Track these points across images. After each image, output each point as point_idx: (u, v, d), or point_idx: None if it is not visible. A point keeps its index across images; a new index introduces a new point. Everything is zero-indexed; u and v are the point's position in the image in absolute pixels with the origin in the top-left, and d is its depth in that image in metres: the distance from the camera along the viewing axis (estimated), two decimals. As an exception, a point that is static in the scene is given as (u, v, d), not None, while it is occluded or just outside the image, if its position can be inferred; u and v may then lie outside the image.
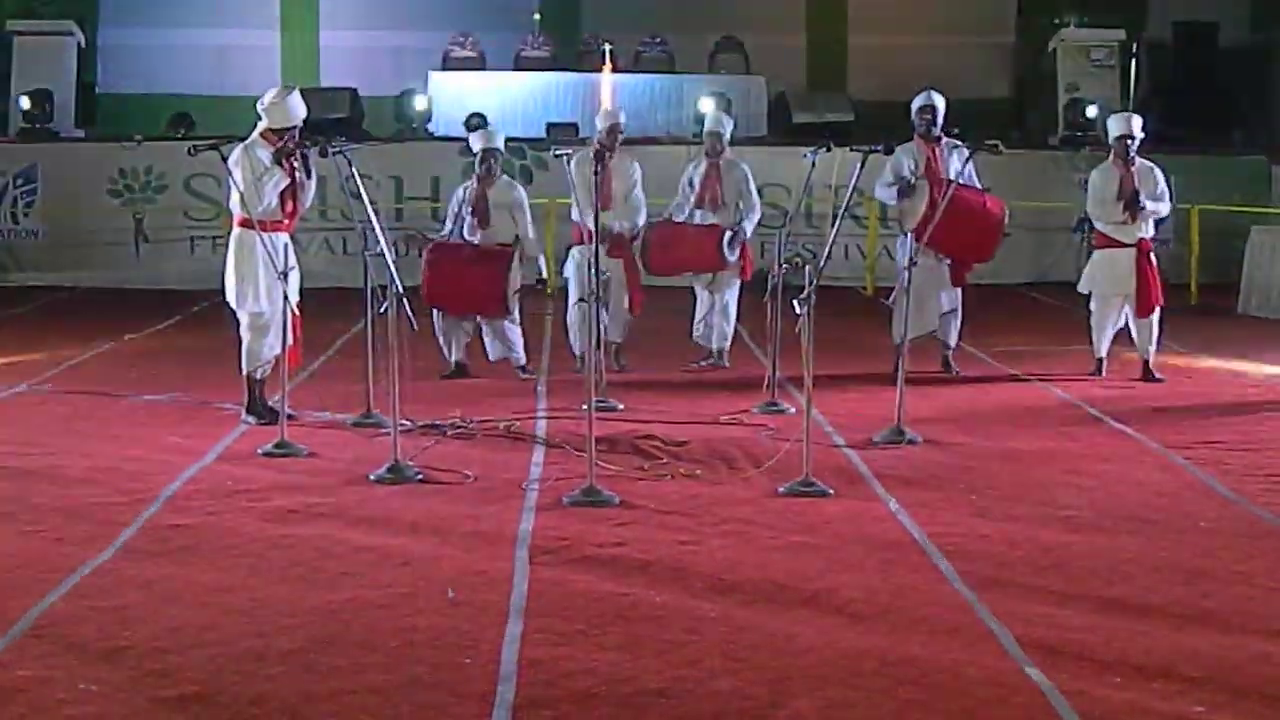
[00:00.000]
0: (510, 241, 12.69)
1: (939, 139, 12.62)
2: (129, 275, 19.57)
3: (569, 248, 13.02)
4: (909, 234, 12.07)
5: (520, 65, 23.85)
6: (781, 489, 8.78)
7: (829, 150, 11.48)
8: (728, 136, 13.21)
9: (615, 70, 22.71)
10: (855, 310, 15.06)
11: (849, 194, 10.03)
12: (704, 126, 13.45)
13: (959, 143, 12.72)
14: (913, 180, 12.36)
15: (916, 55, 25.11)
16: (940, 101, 12.67)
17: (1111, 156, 12.86)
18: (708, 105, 21.70)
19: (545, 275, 13.21)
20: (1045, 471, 9.40)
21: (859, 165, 9.80)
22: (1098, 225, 13.01)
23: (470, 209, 12.69)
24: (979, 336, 14.05)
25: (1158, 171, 12.90)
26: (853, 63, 25.31)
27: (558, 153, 9.68)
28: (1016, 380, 12.89)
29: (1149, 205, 12.65)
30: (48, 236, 19.96)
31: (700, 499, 8.63)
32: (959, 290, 12.80)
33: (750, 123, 22.42)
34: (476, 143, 12.91)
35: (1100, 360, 12.99)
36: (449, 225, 12.90)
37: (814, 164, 11.38)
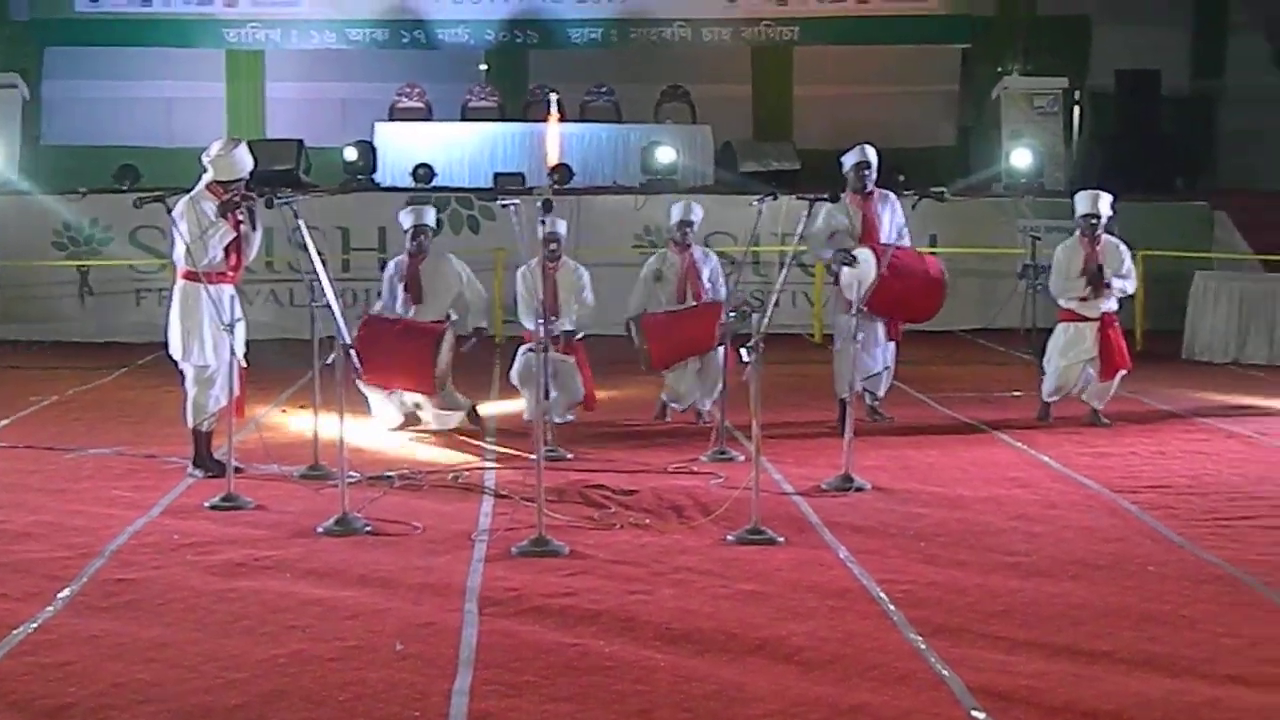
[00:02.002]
0: (444, 317, 12.62)
1: (872, 193, 12.58)
2: (74, 328, 19.43)
3: (519, 346, 12.84)
4: (857, 300, 11.71)
5: (467, 116, 23.88)
6: (731, 537, 8.78)
7: (775, 199, 11.50)
8: (698, 224, 13.13)
9: (562, 120, 22.81)
10: (803, 358, 15.08)
11: (796, 242, 10.06)
12: (673, 218, 13.15)
13: (889, 193, 12.72)
14: (853, 248, 12.10)
15: (862, 104, 25.29)
16: (874, 156, 12.64)
17: (1077, 234, 12.93)
18: (654, 154, 21.80)
19: (492, 329, 13.04)
20: (993, 518, 9.42)
21: (805, 213, 9.84)
22: (1060, 301, 13.04)
23: (403, 285, 12.63)
24: (926, 383, 14.10)
25: (1123, 249, 12.99)
26: (798, 112, 25.40)
27: (504, 203, 9.68)
28: (964, 427, 12.92)
29: (1116, 284, 12.75)
30: (-8, 290, 19.83)
31: (649, 548, 8.61)
32: (893, 344, 12.77)
33: (697, 172, 22.51)
34: (407, 219, 12.80)
35: (1047, 405, 13.04)
36: (384, 297, 12.81)
37: (761, 212, 11.38)
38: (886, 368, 12.76)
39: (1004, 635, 6.96)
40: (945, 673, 6.41)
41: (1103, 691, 6.19)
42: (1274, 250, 18.31)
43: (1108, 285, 12.70)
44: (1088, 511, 9.65)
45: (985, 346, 18.79)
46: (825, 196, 10.24)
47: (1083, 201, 12.99)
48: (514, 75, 25.14)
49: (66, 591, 7.66)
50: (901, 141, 24.45)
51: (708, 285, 12.77)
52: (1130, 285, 13.01)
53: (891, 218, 12.46)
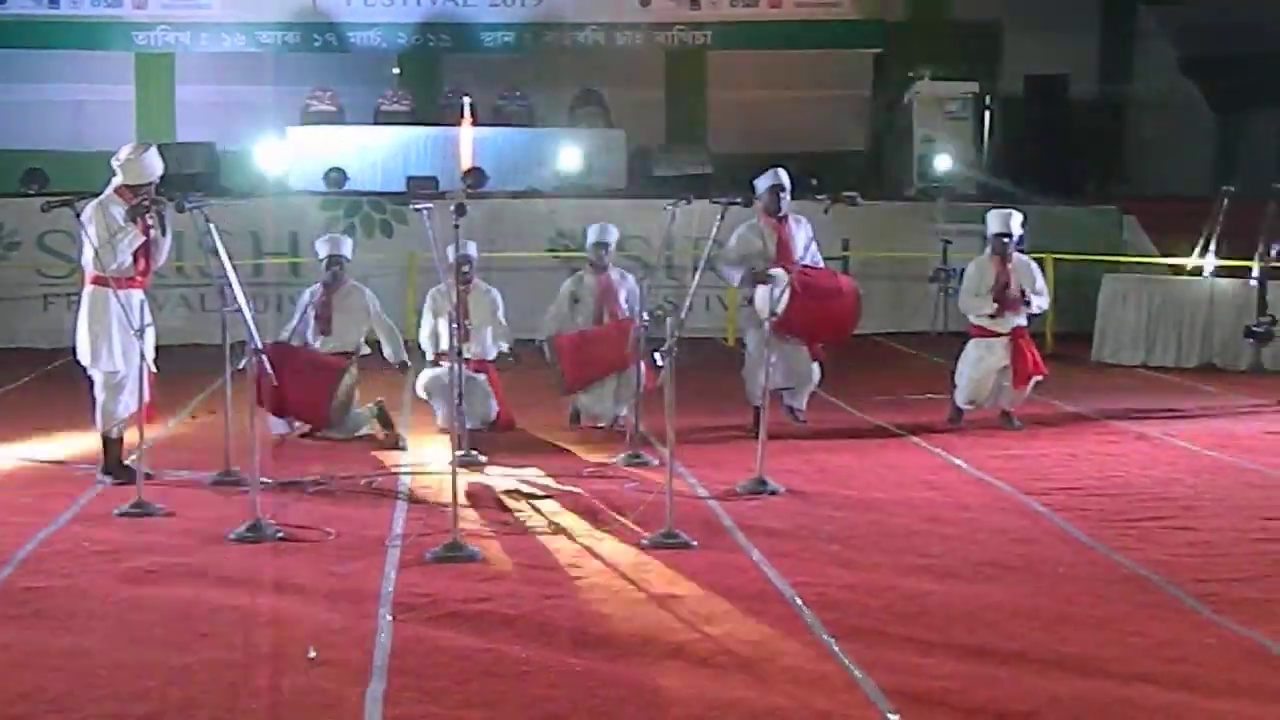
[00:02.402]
0: (352, 349, 12.57)
1: (786, 215, 12.60)
2: (-19, 334, 19.24)
3: (429, 362, 12.81)
4: (769, 318, 11.50)
5: (379, 119, 23.76)
6: (645, 541, 8.78)
7: (689, 203, 11.51)
8: (613, 246, 13.12)
9: (475, 124, 22.74)
10: (717, 362, 15.11)
11: (709, 246, 10.07)
12: (588, 239, 13.16)
13: (801, 216, 12.76)
14: (767, 268, 12.07)
15: (775, 109, 25.36)
16: (787, 179, 12.66)
17: (989, 251, 13.01)
18: (567, 158, 21.81)
19: (404, 359, 12.91)
20: (907, 520, 9.47)
21: (719, 217, 9.85)
22: (970, 317, 13.11)
23: (315, 314, 12.56)
24: (839, 387, 14.14)
25: (1034, 267, 13.12)
26: (712, 116, 25.44)
27: (417, 206, 9.64)
28: (877, 430, 12.98)
29: (1034, 301, 12.84)
30: (-102, 295, 19.58)
31: (564, 552, 8.60)
32: (816, 364, 12.82)
33: (610, 176, 22.52)
34: (322, 248, 12.76)
35: (959, 409, 13.12)
36: (294, 323, 12.72)
37: (674, 216, 11.40)
38: (810, 383, 12.77)
39: (917, 637, 7.00)
40: (859, 675, 6.43)
41: (1015, 692, 6.24)
42: (1182, 253, 18.49)
43: (1027, 303, 12.78)
44: (1000, 513, 9.72)
45: (898, 350, 18.90)
46: (739, 200, 10.24)
47: (994, 221, 13.06)
48: (427, 79, 25.03)
49: (-26, 600, 7.58)
50: (814, 146, 24.56)
51: (625, 306, 12.75)
52: (1044, 302, 13.12)
53: (805, 239, 12.50)
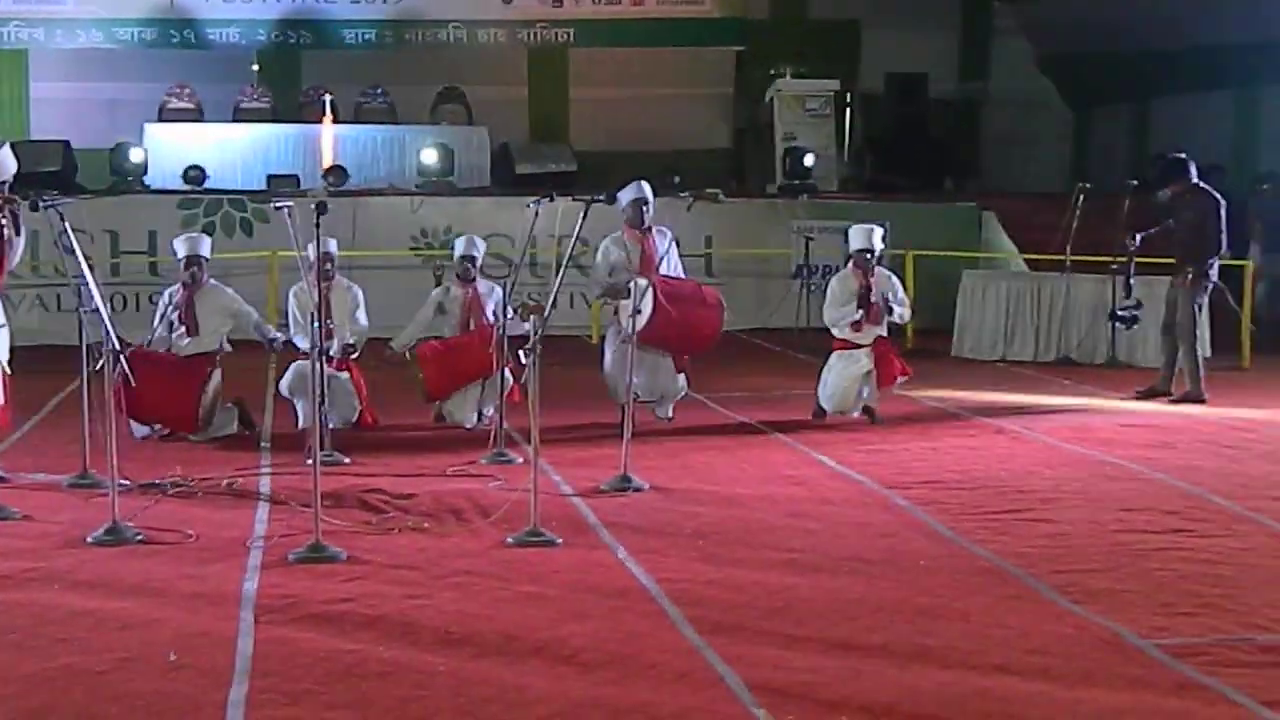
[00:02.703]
0: (215, 349, 12.46)
1: (650, 228, 12.65)
2: None
3: (290, 363, 12.70)
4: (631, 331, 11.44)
5: (239, 117, 23.56)
6: (510, 539, 8.77)
7: (552, 200, 11.49)
8: (480, 258, 13.08)
9: (336, 121, 22.63)
10: (582, 359, 15.11)
11: (572, 243, 10.07)
12: (455, 251, 13.16)
13: (664, 228, 12.81)
14: (627, 280, 12.04)
15: (638, 106, 25.48)
16: (650, 191, 12.70)
17: (850, 265, 13.10)
18: (430, 155, 21.74)
19: (276, 336, 12.79)
20: (769, 515, 9.52)
21: (582, 215, 9.85)
22: (834, 331, 13.16)
23: (178, 316, 12.41)
24: (703, 383, 14.18)
25: (895, 279, 13.23)
26: (575, 114, 25.47)
27: (277, 205, 9.55)
28: (740, 427, 13.05)
29: (896, 310, 12.92)
30: None
31: (428, 552, 8.57)
32: (682, 375, 12.88)
33: (473, 173, 22.51)
34: (180, 248, 12.55)
35: (822, 408, 13.18)
36: (156, 325, 12.53)
37: (537, 214, 11.39)
38: (679, 391, 12.81)
39: (781, 631, 7.05)
40: (723, 670, 6.46)
41: (877, 685, 6.29)
42: (1039, 249, 18.76)
43: (889, 310, 12.87)
44: (862, 508, 9.81)
45: (761, 346, 19.00)
46: (600, 198, 10.24)
47: (857, 237, 13.12)
48: (287, 76, 24.86)
49: None
50: (677, 143, 24.69)
51: (492, 318, 12.69)
52: (906, 313, 13.20)
53: (668, 250, 12.56)
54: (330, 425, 11.67)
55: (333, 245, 12.54)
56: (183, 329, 12.36)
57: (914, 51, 25.89)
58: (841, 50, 25.91)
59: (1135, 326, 16.40)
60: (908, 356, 13.76)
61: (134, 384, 9.78)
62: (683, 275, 12.96)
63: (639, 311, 11.39)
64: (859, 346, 12.99)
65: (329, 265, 12.23)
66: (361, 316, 12.75)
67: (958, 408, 14.01)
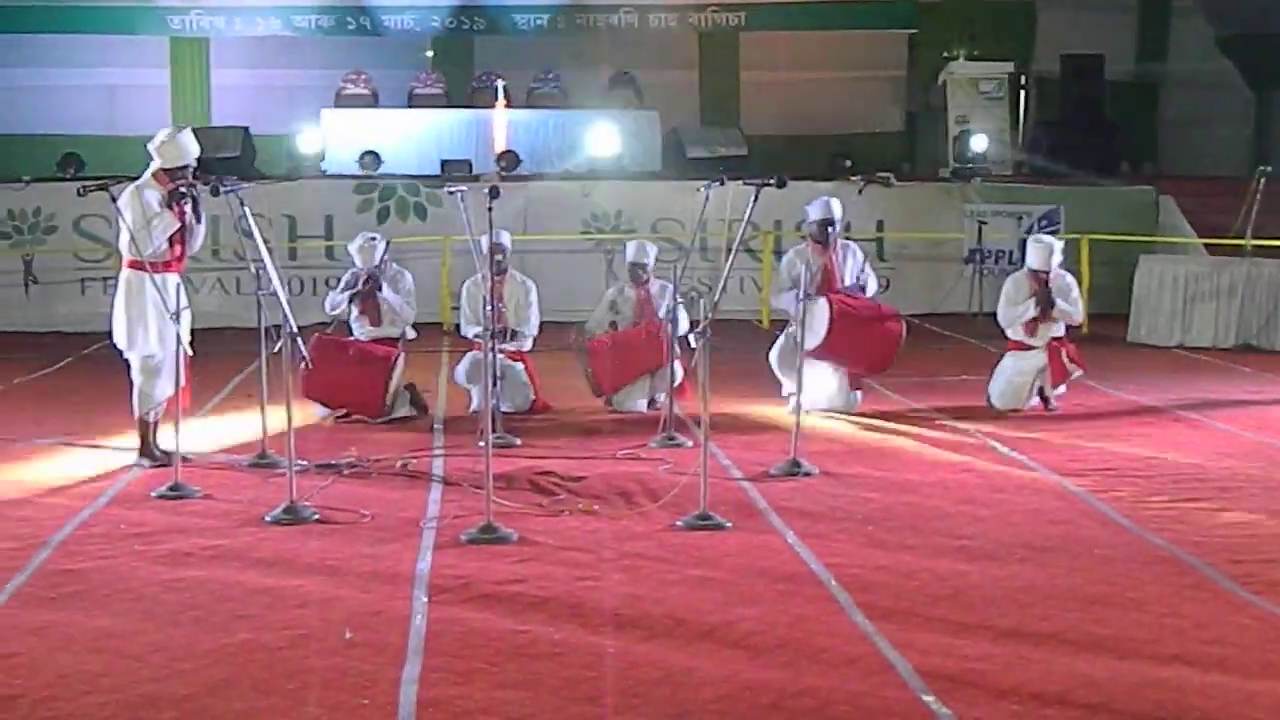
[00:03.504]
0: (398, 336, 12.65)
1: (836, 244, 12.61)
2: (18, 318, 19.26)
3: (465, 354, 12.81)
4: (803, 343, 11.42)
5: (413, 102, 23.82)
6: (679, 523, 8.79)
7: (723, 184, 11.50)
8: (651, 264, 13.06)
9: (508, 106, 22.78)
10: (751, 344, 15.08)
11: (743, 227, 10.05)
12: (626, 256, 13.15)
13: (851, 243, 12.74)
14: (810, 292, 11.88)
15: (809, 90, 25.40)
16: (839, 210, 12.65)
17: (1026, 269, 12.89)
18: (601, 140, 21.79)
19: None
20: (940, 502, 9.46)
21: (753, 199, 9.82)
22: (1008, 332, 12.95)
23: (359, 309, 12.62)
24: (874, 368, 14.10)
25: (1070, 281, 12.99)
26: (745, 97, 25.43)
27: (451, 189, 9.65)
28: (911, 412, 12.96)
29: (1062, 306, 12.71)
30: (-66, 279, 19.65)
31: (598, 534, 8.61)
32: (858, 392, 12.86)
33: (644, 157, 22.52)
34: (358, 259, 12.67)
35: (993, 405, 12.95)
36: (342, 298, 12.70)
37: (708, 198, 11.39)
38: (848, 407, 12.75)
39: (951, 618, 7.00)
40: (893, 656, 6.44)
41: (1048, 673, 6.23)
42: (1217, 234, 18.42)
43: (1052, 304, 12.66)
44: (1034, 495, 9.70)
45: (932, 332, 18.84)
46: (771, 182, 10.21)
47: (1034, 255, 12.86)
48: (460, 62, 25.11)
49: (12, 583, 7.62)
50: (848, 127, 24.59)
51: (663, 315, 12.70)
52: (1078, 315, 12.99)
53: (853, 265, 12.52)
54: (504, 409, 11.78)
55: (505, 237, 12.60)
56: (365, 319, 12.57)
57: (1090, 32, 25.52)
58: (1016, 32, 25.62)
59: None
60: (1082, 342, 13.56)
61: (313, 367, 9.96)
62: (872, 286, 12.91)
63: (809, 334, 11.33)
64: (1033, 347, 12.82)
65: (501, 257, 12.30)
66: (534, 314, 12.82)
67: (1133, 394, 13.79)
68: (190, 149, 10.50)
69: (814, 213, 12.69)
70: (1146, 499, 9.54)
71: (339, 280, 13.07)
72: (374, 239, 12.83)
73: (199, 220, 10.60)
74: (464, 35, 24.81)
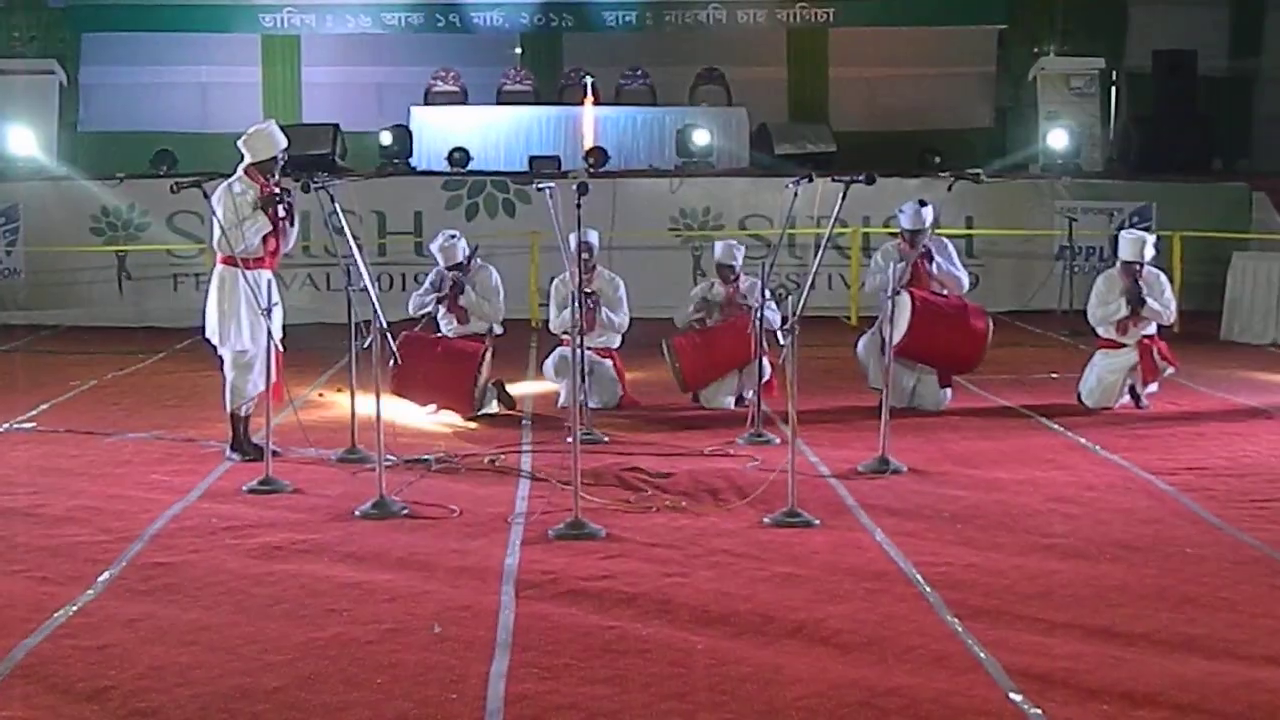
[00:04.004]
0: (485, 332, 12.69)
1: (926, 248, 12.59)
2: (112, 313, 19.48)
3: (554, 348, 12.85)
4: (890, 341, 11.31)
5: (502, 99, 23.88)
6: (767, 520, 8.78)
7: (811, 181, 11.47)
8: (739, 264, 12.95)
9: (597, 103, 22.80)
10: (839, 341, 15.04)
11: (831, 224, 10.02)
12: (715, 255, 13.04)
13: (944, 240, 12.67)
14: (897, 289, 11.75)
15: (898, 86, 25.27)
16: (930, 217, 12.65)
17: (1119, 267, 12.80)
18: (689, 136, 21.77)
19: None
20: (1030, 500, 9.40)
21: (841, 196, 9.78)
22: (1098, 330, 12.90)
23: (446, 307, 12.68)
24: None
25: (1164, 280, 12.88)
26: (834, 94, 25.33)
27: (539, 186, 9.68)
28: (1000, 409, 12.89)
29: (1152, 304, 12.58)
30: (30, 275, 19.86)
31: (686, 531, 8.62)
32: (948, 390, 12.81)
33: (732, 154, 22.48)
34: (440, 259, 12.72)
35: (1083, 404, 12.87)
36: (428, 300, 12.76)
37: (796, 195, 11.37)
38: (938, 405, 12.69)
39: (1041, 617, 6.96)
40: (982, 655, 6.41)
41: (1139, 673, 6.18)
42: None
43: (1142, 302, 12.55)
44: (1125, 493, 9.63)
45: (1022, 328, 18.70)
46: (861, 178, 10.16)
47: (1127, 247, 12.75)
48: (549, 59, 25.14)
49: (106, 575, 7.72)
50: (938, 123, 24.43)
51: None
52: (1167, 315, 12.86)
53: (946, 261, 12.49)
54: (591, 404, 11.80)
55: (593, 236, 12.58)
56: (451, 317, 12.63)
57: (1182, 28, 25.21)
58: (1107, 27, 25.34)
59: None
60: (1174, 340, 13.43)
61: (402, 364, 10.03)
62: (962, 280, 12.86)
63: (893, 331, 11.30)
64: (1124, 345, 12.72)
65: (588, 255, 12.29)
66: (623, 312, 12.82)
67: (1225, 392, 13.65)
68: (278, 139, 10.60)
69: (905, 221, 12.64)
70: (1238, 498, 9.44)
71: (426, 277, 13.14)
72: (454, 236, 12.87)
73: (292, 224, 10.69)
74: (552, 32, 24.83)
